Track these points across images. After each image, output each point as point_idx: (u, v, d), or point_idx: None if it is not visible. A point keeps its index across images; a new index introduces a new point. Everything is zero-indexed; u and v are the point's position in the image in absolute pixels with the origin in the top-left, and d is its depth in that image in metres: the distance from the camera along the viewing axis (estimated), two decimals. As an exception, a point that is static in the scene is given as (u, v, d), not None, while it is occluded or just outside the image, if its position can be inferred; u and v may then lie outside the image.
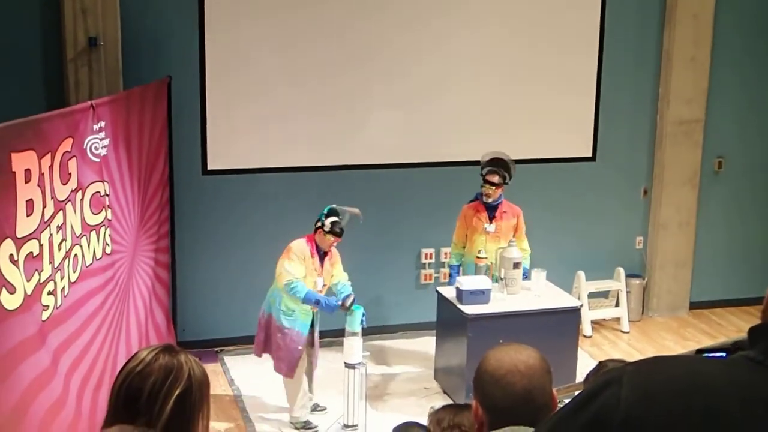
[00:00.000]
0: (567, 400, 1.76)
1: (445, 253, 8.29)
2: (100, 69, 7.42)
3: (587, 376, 3.85)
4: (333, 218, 6.80)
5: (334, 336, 7.67)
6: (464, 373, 6.92)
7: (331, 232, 6.77)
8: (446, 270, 8.36)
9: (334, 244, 6.90)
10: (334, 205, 6.90)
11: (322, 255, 6.90)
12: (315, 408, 7.21)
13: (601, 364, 3.94)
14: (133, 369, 2.29)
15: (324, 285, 6.91)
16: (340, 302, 6.78)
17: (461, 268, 7.76)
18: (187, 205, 8.10)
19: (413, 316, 8.76)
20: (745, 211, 9.72)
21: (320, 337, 7.22)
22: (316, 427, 7.01)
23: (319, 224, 6.82)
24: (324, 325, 7.22)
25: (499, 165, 7.57)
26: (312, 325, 6.98)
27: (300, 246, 6.81)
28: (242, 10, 7.99)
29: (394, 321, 8.79)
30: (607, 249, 9.37)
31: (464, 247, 7.76)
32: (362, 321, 6.76)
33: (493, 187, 7.53)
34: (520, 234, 7.67)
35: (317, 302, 6.74)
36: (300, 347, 6.86)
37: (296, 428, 7.01)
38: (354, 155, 8.50)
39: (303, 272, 6.74)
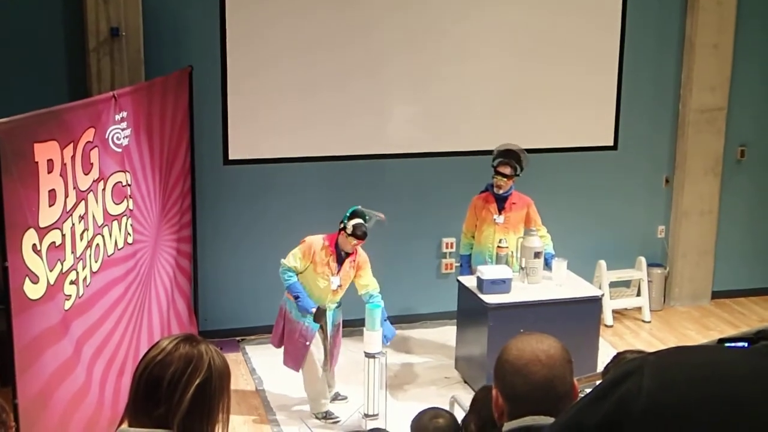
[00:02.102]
0: (588, 390, 1.76)
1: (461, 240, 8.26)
2: (122, 59, 7.45)
3: (606, 367, 3.84)
4: (356, 221, 6.70)
5: (354, 326, 7.67)
6: (485, 362, 6.92)
7: (353, 235, 6.69)
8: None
9: (357, 246, 6.83)
10: (359, 207, 6.82)
11: (343, 255, 6.83)
12: (336, 397, 7.24)
13: (619, 355, 3.93)
14: (153, 358, 2.30)
15: (340, 286, 6.84)
16: (314, 309, 6.76)
17: (471, 258, 7.77)
18: (208, 195, 8.13)
19: (434, 306, 8.76)
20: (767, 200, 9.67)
21: (342, 325, 7.20)
22: (337, 417, 7.03)
23: (342, 226, 6.74)
24: (345, 315, 7.21)
25: (510, 156, 7.55)
26: (326, 321, 6.97)
27: (314, 242, 6.79)
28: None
29: (415, 310, 8.80)
30: (629, 238, 9.34)
31: (474, 237, 7.77)
32: (384, 338, 6.80)
33: (505, 179, 7.51)
34: (535, 224, 7.64)
35: (296, 297, 6.75)
36: (307, 343, 6.84)
37: (317, 419, 7.04)
38: (375, 145, 8.50)
39: (303, 267, 6.75)
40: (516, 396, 2.36)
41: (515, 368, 2.35)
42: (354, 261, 6.88)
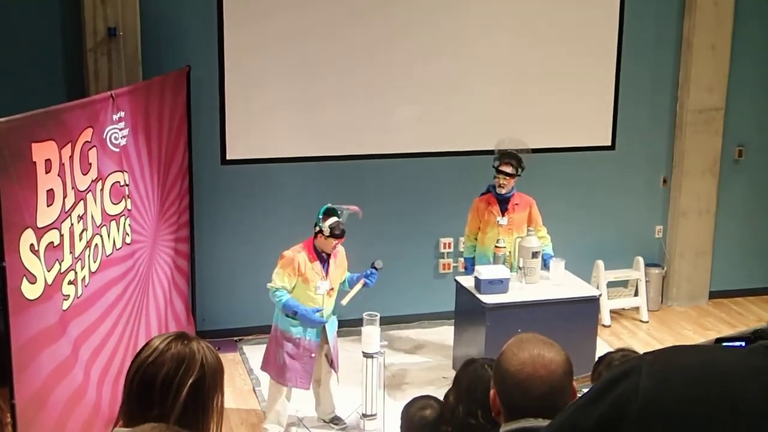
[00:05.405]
0: (585, 390, 1.76)
1: (464, 243, 8.26)
2: (119, 59, 7.44)
3: (594, 369, 3.83)
4: (331, 220, 6.38)
5: (352, 326, 7.67)
6: (483, 362, 6.90)
7: (332, 235, 6.37)
8: (462, 260, 8.31)
9: (337, 245, 6.53)
10: (329, 205, 6.51)
11: (326, 257, 6.52)
12: (334, 421, 6.95)
13: (610, 356, 3.90)
14: (145, 359, 2.29)
15: (331, 289, 6.55)
16: (321, 313, 6.46)
17: (475, 261, 7.76)
18: (206, 194, 8.12)
19: (432, 306, 8.76)
20: (765, 200, 9.66)
21: (338, 327, 7.12)
22: None
23: (317, 229, 6.42)
24: (342, 314, 7.19)
25: (511, 156, 7.56)
26: (327, 331, 6.67)
27: (294, 257, 6.45)
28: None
29: (413, 310, 8.79)
30: (627, 238, 9.34)
31: (476, 239, 7.76)
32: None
33: (507, 178, 7.51)
34: (536, 224, 7.65)
35: (294, 312, 6.40)
36: (313, 355, 6.56)
37: None
38: (373, 145, 8.50)
39: (290, 285, 6.43)
40: (514, 406, 2.35)
41: (515, 381, 2.34)
42: (336, 260, 6.61)
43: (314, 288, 6.47)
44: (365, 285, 6.73)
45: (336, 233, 6.38)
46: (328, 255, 6.53)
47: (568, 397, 2.35)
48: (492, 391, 2.42)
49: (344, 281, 6.76)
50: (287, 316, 6.50)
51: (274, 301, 6.49)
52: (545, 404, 2.30)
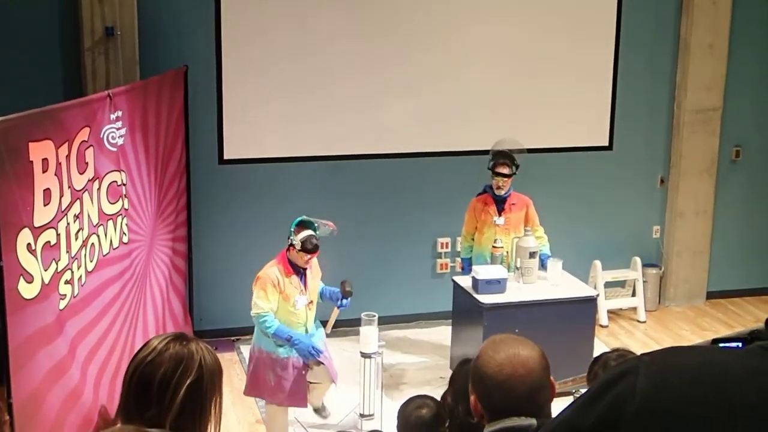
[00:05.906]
0: (583, 390, 1.76)
1: (461, 243, 8.26)
2: (117, 58, 7.44)
3: (590, 369, 3.84)
4: (304, 233, 6.15)
5: (350, 325, 7.67)
6: (480, 362, 6.89)
7: (304, 249, 6.14)
8: (459, 260, 8.31)
9: (311, 260, 6.30)
10: (304, 217, 6.29)
11: (302, 270, 6.32)
12: (321, 409, 7.01)
13: (606, 356, 3.91)
14: (143, 359, 2.29)
15: (311, 302, 6.38)
16: (312, 336, 6.35)
17: (472, 261, 7.75)
18: (203, 194, 8.12)
19: (429, 306, 8.75)
20: (762, 200, 9.67)
21: (336, 327, 7.10)
22: None
23: (289, 241, 6.19)
24: (341, 314, 7.18)
25: (505, 156, 7.56)
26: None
27: (269, 274, 6.24)
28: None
29: (410, 310, 8.79)
30: (624, 238, 9.34)
31: (474, 239, 7.76)
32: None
33: (504, 179, 7.51)
34: (533, 223, 7.65)
35: (288, 339, 6.21)
36: (304, 372, 6.40)
37: None
38: (370, 145, 8.49)
39: (275, 303, 6.23)
40: (494, 407, 2.35)
41: (495, 383, 2.34)
42: (312, 270, 6.42)
43: (293, 303, 6.29)
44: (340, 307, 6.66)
45: (308, 247, 6.17)
46: (304, 268, 6.35)
47: (547, 393, 2.36)
48: (472, 397, 2.42)
49: (319, 294, 6.63)
50: (277, 340, 6.34)
51: (263, 329, 6.26)
52: (526, 403, 2.31)
